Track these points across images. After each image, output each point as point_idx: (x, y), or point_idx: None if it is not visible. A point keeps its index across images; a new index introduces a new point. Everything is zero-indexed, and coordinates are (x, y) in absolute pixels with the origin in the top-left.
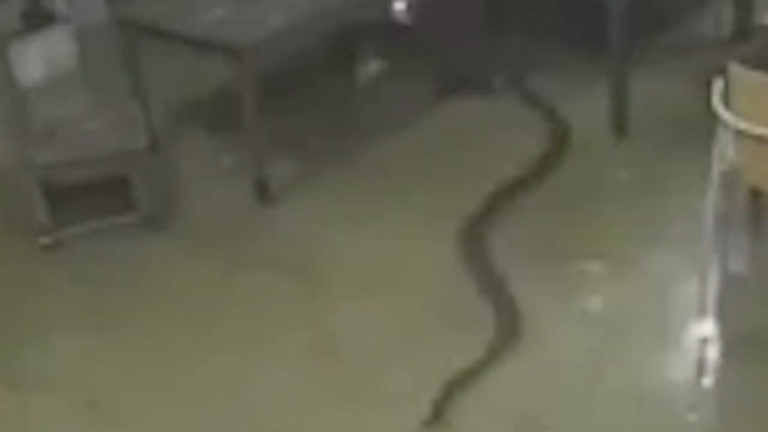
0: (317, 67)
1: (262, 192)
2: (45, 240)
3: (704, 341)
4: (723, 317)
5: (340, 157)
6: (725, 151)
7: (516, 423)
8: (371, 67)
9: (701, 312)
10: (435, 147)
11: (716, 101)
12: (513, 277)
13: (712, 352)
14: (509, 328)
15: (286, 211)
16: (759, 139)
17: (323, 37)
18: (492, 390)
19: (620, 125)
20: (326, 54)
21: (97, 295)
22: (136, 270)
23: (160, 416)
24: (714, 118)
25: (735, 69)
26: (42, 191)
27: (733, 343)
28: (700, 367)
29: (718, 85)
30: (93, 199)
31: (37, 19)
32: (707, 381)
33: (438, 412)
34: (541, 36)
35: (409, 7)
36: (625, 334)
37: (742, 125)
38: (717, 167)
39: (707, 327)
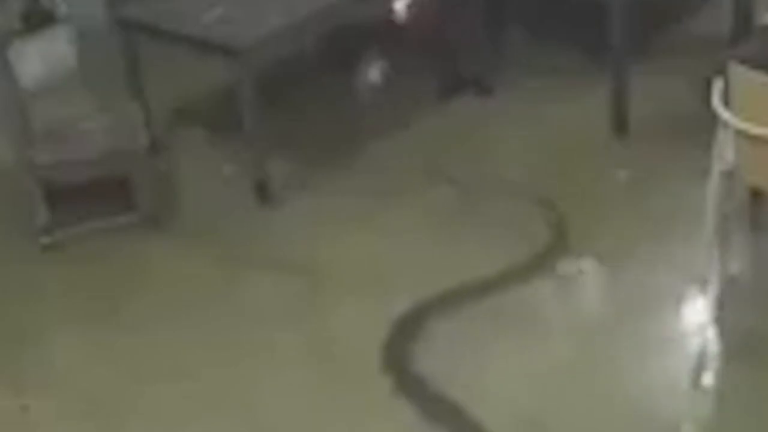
0: (317, 67)
1: (262, 192)
2: (45, 240)
3: (704, 341)
4: (723, 317)
5: (340, 157)
6: (725, 151)
7: (515, 420)
8: (371, 67)
9: (701, 312)
10: (435, 147)
11: (716, 101)
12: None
13: (712, 352)
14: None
15: (286, 212)
16: (759, 139)
17: (323, 37)
18: (491, 387)
19: (620, 125)
20: (326, 54)
21: (97, 296)
22: (136, 270)
23: (160, 416)
24: (714, 118)
25: (735, 69)
26: (42, 191)
27: (733, 343)
28: (700, 367)
29: (718, 85)
30: (93, 199)
31: (37, 19)
32: (707, 381)
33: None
34: (542, 35)
35: (409, 7)
36: (624, 333)
37: (742, 125)
38: (717, 167)
39: (707, 327)
